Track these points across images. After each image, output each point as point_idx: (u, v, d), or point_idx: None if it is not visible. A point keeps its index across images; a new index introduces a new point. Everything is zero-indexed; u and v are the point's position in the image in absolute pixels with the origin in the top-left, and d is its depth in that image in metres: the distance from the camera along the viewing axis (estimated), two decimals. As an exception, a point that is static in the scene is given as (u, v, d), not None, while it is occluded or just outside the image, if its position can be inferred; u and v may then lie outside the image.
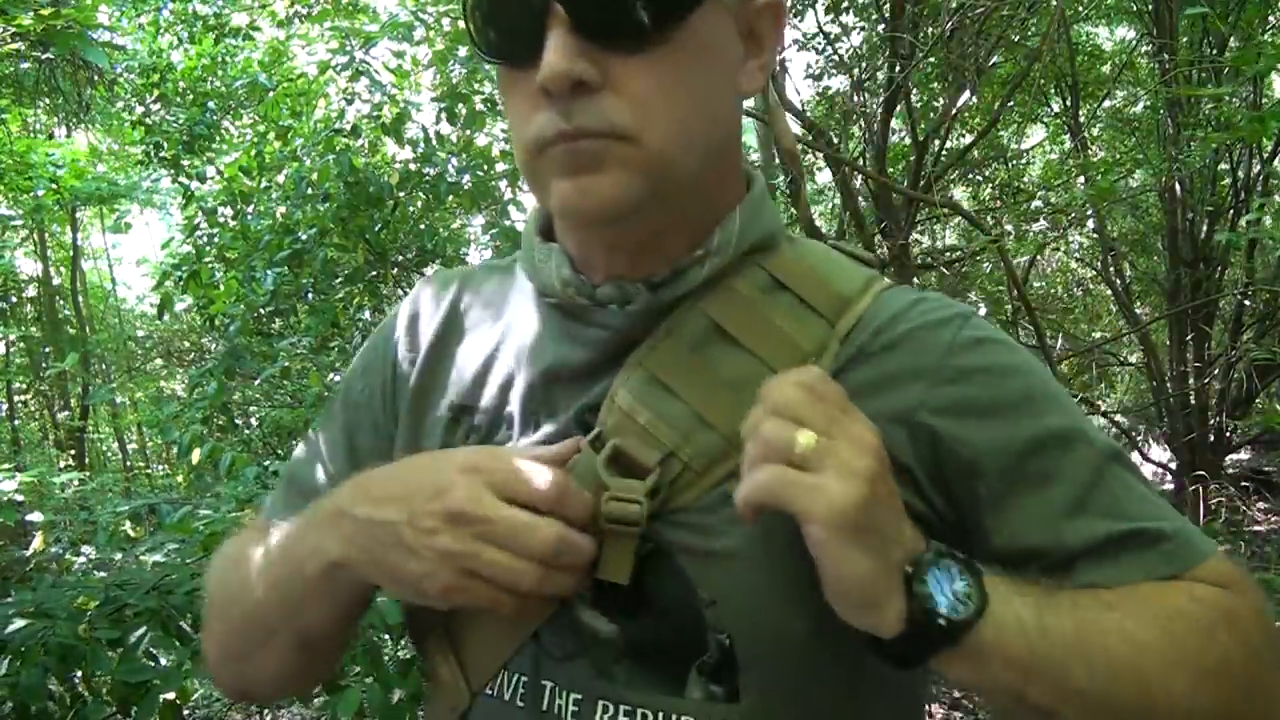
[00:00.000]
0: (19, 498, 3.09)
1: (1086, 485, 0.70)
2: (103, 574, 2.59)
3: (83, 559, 3.20)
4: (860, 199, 6.13)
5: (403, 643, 2.50)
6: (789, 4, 5.04)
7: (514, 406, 0.79)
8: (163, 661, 1.84)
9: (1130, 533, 0.69)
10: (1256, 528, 5.87)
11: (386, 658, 2.15)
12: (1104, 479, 0.71)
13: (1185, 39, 5.34)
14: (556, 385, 0.77)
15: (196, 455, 3.15)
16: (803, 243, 0.81)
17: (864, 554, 0.60)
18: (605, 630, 0.71)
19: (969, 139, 6.09)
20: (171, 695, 1.67)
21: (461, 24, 4.73)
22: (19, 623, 1.67)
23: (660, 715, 0.69)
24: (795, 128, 6.23)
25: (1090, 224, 6.19)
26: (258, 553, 0.81)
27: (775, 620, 0.68)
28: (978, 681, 0.64)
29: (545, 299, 0.79)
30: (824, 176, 7.14)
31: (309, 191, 4.54)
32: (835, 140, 5.91)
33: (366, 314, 5.32)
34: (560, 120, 0.66)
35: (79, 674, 1.80)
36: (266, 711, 4.32)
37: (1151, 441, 7.54)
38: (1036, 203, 5.97)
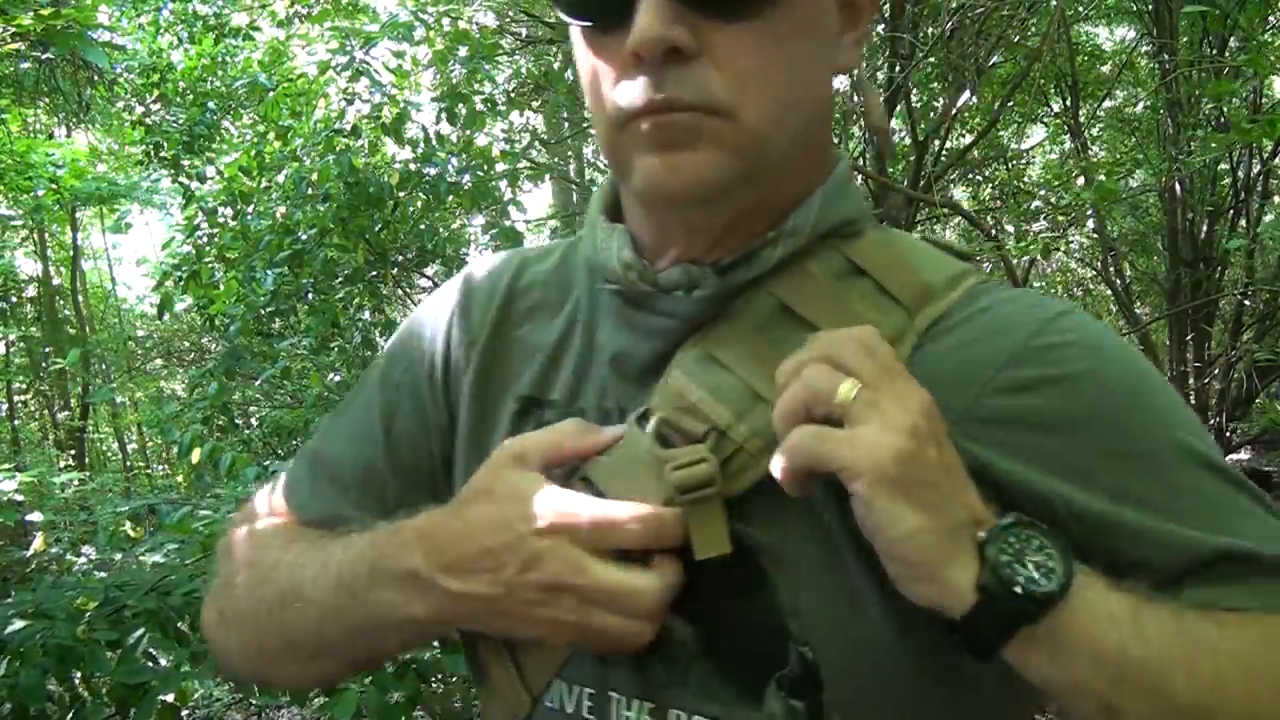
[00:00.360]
0: (19, 498, 3.10)
1: (1191, 505, 0.63)
2: (103, 574, 2.60)
3: (83, 559, 3.21)
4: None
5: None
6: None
7: (587, 401, 0.74)
8: (162, 663, 1.84)
9: (1247, 555, 0.61)
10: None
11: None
12: (1213, 497, 0.63)
13: (1185, 39, 5.34)
14: (626, 379, 0.73)
15: (196, 455, 3.15)
16: (890, 231, 0.75)
17: (913, 509, 0.55)
18: (681, 631, 0.66)
19: (969, 139, 6.09)
20: (170, 696, 1.67)
21: (461, 24, 4.73)
22: (18, 623, 1.67)
23: None
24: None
25: (1090, 224, 6.18)
26: (299, 567, 0.75)
27: (862, 635, 0.62)
28: (1062, 681, 0.57)
29: (607, 284, 0.74)
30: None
31: (309, 192, 4.55)
32: (835, 140, 5.90)
33: (366, 314, 5.32)
34: (651, 90, 0.61)
35: (79, 675, 1.80)
36: (266, 712, 4.32)
37: (1152, 441, 7.54)
38: (1036, 203, 5.97)
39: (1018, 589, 0.54)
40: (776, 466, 0.59)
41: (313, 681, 0.84)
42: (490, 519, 0.66)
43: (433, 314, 0.85)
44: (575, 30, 0.67)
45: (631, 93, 0.62)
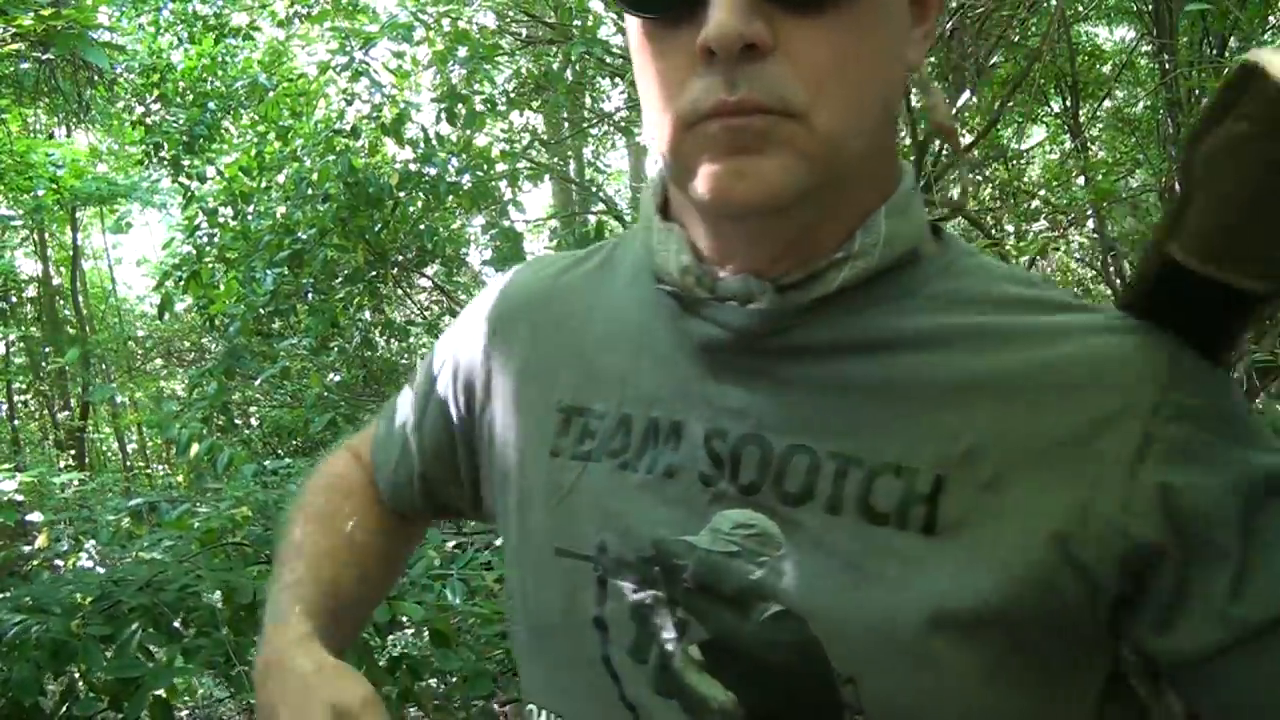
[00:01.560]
0: (19, 498, 3.10)
1: None
2: (102, 570, 2.60)
3: (86, 557, 3.21)
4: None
5: (392, 641, 2.51)
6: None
7: (632, 409, 0.70)
8: (159, 658, 1.85)
9: None
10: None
11: (377, 655, 2.15)
12: None
13: (1185, 39, 5.34)
14: (676, 386, 0.68)
15: (195, 449, 3.16)
16: (951, 251, 0.68)
17: None
18: (719, 699, 0.62)
19: (969, 139, 6.09)
20: (161, 692, 1.67)
21: (461, 24, 4.74)
22: (13, 618, 1.67)
23: None
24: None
25: (1090, 224, 6.19)
26: (287, 562, 0.87)
27: (921, 705, 0.59)
28: None
29: (659, 285, 0.69)
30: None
31: (309, 192, 4.55)
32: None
33: (366, 314, 5.33)
34: (724, 90, 0.56)
35: (75, 670, 1.80)
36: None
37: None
38: (1036, 203, 5.97)
39: None
40: None
41: None
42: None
43: (468, 322, 0.85)
44: (635, 25, 0.62)
45: (702, 92, 0.57)
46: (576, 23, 4.97)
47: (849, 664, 0.59)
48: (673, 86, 0.59)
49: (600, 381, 0.72)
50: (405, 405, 0.91)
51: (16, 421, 10.16)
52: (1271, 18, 4.78)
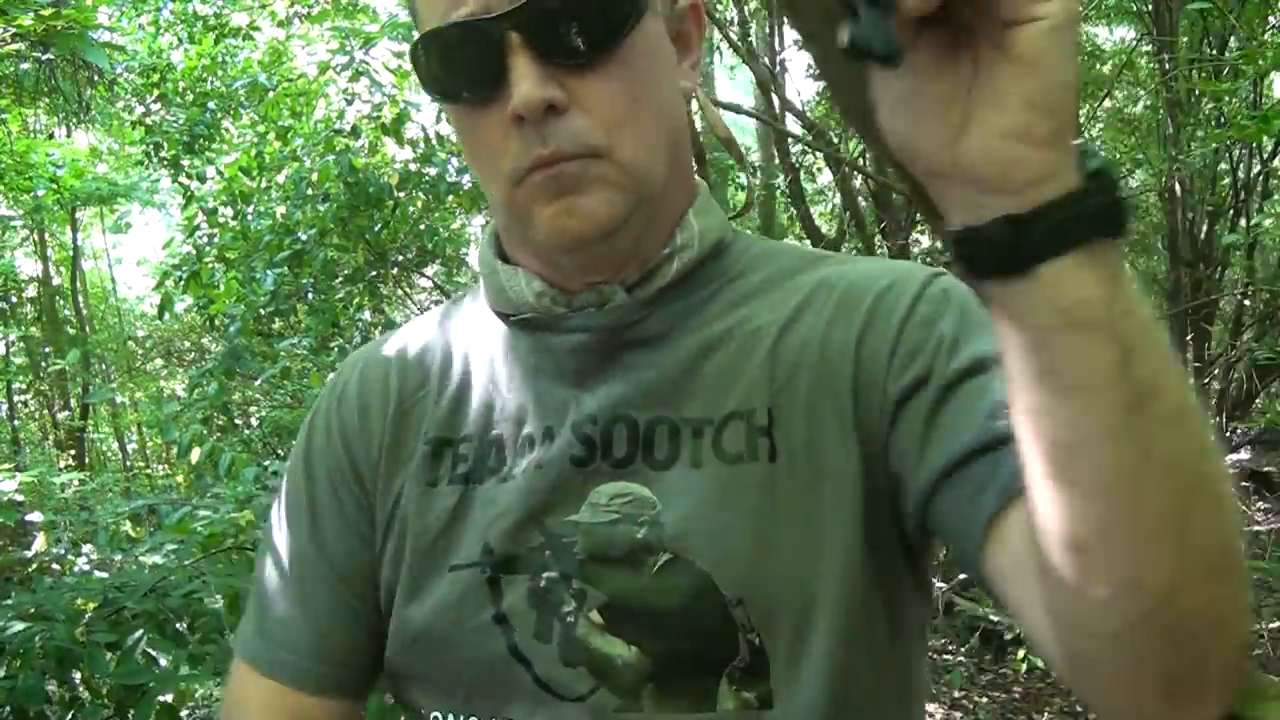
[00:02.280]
0: (19, 498, 3.09)
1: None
2: (103, 575, 2.60)
3: (83, 559, 3.21)
4: (860, 199, 6.16)
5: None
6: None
7: (502, 429, 0.78)
8: (162, 663, 1.84)
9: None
10: (1256, 527, 5.87)
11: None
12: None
13: (1185, 39, 5.34)
14: (542, 400, 0.77)
15: (196, 454, 3.15)
16: (744, 235, 0.84)
17: (1073, 63, 0.45)
18: (622, 655, 0.69)
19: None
20: (169, 697, 1.67)
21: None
22: (17, 625, 1.67)
23: None
24: (795, 128, 6.23)
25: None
26: None
27: (805, 611, 0.67)
28: (1101, 308, 0.47)
29: (512, 318, 0.79)
30: (824, 177, 7.15)
31: (309, 192, 4.55)
32: (835, 140, 5.91)
33: (366, 314, 5.33)
34: (538, 145, 0.67)
35: (78, 676, 1.80)
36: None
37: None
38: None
39: (1120, 190, 0.47)
40: None
41: None
42: None
43: (323, 423, 0.84)
44: (453, 111, 0.73)
45: (521, 152, 0.68)
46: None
47: (736, 588, 0.68)
48: (496, 153, 0.70)
49: (467, 416, 0.80)
50: (282, 583, 0.82)
51: (16, 421, 10.15)
52: (1271, 18, 4.78)
